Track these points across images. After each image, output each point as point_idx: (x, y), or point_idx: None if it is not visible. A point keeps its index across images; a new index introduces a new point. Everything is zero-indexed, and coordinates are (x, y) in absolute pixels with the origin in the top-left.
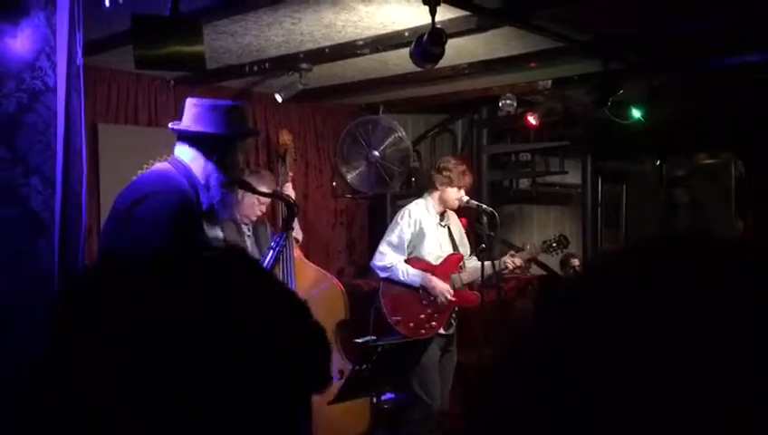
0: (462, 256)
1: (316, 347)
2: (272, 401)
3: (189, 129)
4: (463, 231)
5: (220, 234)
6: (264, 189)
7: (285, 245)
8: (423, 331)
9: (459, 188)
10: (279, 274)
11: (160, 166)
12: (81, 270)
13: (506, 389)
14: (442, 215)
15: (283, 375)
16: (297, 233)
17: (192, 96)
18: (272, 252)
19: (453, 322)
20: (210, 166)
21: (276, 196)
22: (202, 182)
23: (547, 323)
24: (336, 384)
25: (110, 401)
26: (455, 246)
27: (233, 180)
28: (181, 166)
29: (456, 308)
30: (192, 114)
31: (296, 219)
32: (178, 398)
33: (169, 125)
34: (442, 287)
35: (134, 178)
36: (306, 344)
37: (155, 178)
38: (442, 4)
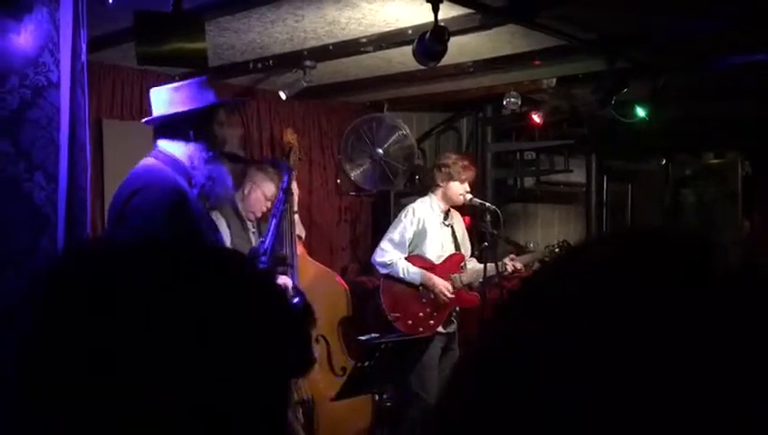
0: (463, 257)
1: (292, 330)
2: (252, 385)
3: (162, 115)
4: (466, 232)
5: (225, 229)
6: (268, 184)
7: (287, 209)
8: (422, 328)
9: (462, 182)
10: (282, 246)
11: (146, 162)
12: (60, 258)
13: (477, 386)
14: (446, 214)
15: (262, 358)
16: (299, 230)
17: None
18: (274, 219)
19: (453, 320)
20: (191, 145)
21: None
22: (188, 165)
23: (528, 317)
24: (339, 381)
25: (99, 391)
26: (457, 246)
27: (218, 154)
28: (165, 156)
29: (457, 308)
30: (159, 102)
31: (297, 216)
32: (163, 385)
33: (142, 121)
34: (442, 285)
35: None
36: (282, 327)
37: (143, 172)
38: (445, 2)
